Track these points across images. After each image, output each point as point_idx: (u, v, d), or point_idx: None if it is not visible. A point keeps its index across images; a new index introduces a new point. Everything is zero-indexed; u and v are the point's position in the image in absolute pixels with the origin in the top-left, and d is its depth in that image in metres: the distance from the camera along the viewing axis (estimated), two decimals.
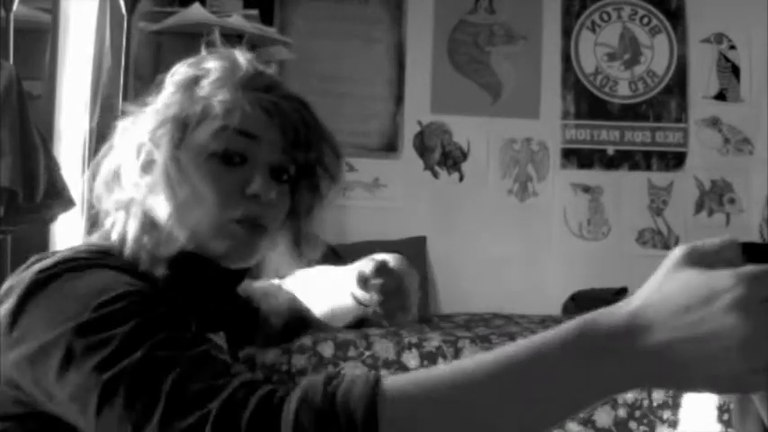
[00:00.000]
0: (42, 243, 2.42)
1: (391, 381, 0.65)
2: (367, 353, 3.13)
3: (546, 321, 3.63)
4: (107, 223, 0.94)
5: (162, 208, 0.90)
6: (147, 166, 0.91)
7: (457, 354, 3.13)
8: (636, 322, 0.61)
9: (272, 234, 0.95)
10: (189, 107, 0.91)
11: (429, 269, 4.10)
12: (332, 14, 4.22)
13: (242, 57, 0.95)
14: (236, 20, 3.22)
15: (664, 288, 0.61)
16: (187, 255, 0.90)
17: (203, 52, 0.97)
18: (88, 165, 2.56)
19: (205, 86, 0.92)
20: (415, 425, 0.63)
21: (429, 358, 3.13)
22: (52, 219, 2.18)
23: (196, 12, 3.14)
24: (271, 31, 3.54)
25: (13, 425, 0.79)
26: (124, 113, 0.96)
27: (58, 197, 2.10)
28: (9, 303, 0.78)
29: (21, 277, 0.81)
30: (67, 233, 2.50)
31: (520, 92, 4.23)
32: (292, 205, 0.97)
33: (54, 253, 0.84)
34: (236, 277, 0.97)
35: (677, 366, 0.59)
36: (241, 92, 0.91)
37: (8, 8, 2.17)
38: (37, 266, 0.80)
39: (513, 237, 4.15)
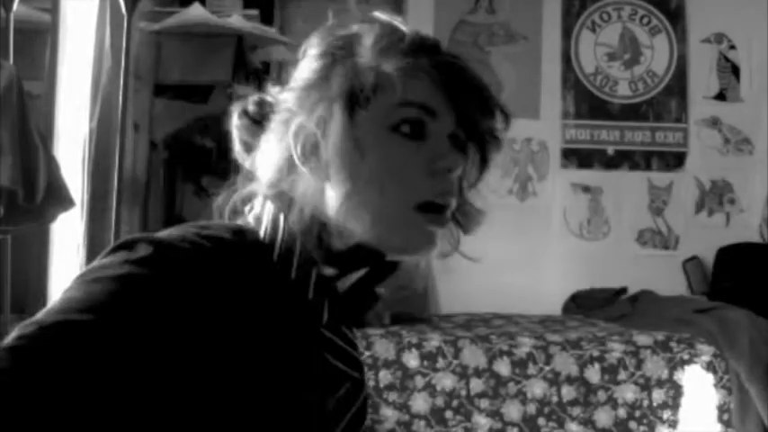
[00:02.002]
0: (42, 243, 2.42)
1: None
2: (367, 353, 3.13)
3: (546, 321, 3.62)
4: (256, 209, 0.84)
5: (334, 195, 0.80)
6: (312, 151, 0.81)
7: (457, 354, 3.13)
8: None
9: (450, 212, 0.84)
10: (356, 79, 0.80)
11: (429, 269, 4.09)
12: (332, 14, 4.22)
13: (391, 18, 0.86)
14: (236, 20, 3.21)
15: None
16: (358, 248, 0.80)
17: (330, 18, 0.88)
18: (88, 165, 2.56)
19: (365, 55, 0.82)
20: None
21: (429, 358, 3.13)
22: (52, 219, 2.18)
23: (196, 12, 3.13)
24: (271, 32, 3.54)
25: None
26: (243, 98, 0.87)
27: (57, 197, 2.10)
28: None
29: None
30: (67, 233, 2.50)
31: (520, 92, 4.23)
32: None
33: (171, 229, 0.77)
34: (390, 267, 0.85)
35: None
36: (411, 58, 0.81)
37: (8, 8, 2.17)
38: (142, 237, 0.72)
39: (512, 237, 4.14)
